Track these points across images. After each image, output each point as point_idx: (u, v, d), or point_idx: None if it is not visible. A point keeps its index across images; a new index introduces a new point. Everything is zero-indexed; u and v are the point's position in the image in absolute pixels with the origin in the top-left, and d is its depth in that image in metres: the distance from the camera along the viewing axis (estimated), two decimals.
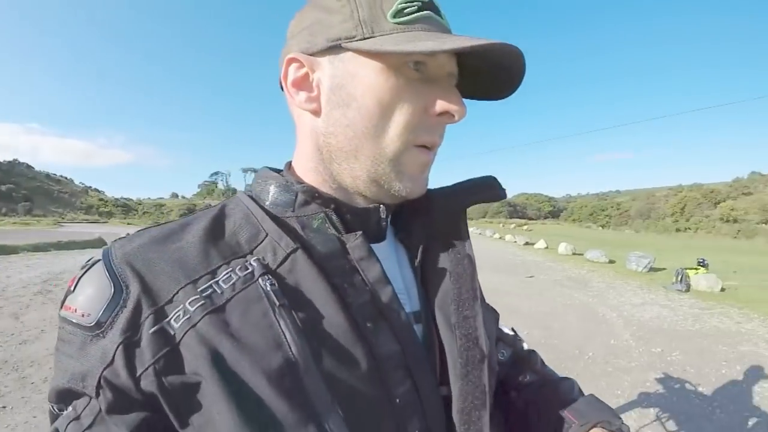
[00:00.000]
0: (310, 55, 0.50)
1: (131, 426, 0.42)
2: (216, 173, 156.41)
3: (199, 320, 0.43)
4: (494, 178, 0.61)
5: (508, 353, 0.77)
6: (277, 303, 0.45)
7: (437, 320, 0.55)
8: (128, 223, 55.47)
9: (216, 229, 0.50)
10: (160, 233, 0.49)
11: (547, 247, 18.61)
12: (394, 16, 0.47)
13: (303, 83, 0.51)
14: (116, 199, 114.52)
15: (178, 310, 0.43)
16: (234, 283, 0.46)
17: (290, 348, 0.43)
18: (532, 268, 12.24)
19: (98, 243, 16.88)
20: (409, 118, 0.49)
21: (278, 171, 0.58)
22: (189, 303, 0.44)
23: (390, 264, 0.55)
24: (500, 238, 25.11)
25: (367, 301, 0.49)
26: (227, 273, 0.46)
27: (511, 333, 0.81)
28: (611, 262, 13.21)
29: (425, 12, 0.48)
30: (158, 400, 0.42)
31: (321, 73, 0.50)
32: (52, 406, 0.46)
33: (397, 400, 0.48)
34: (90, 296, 0.45)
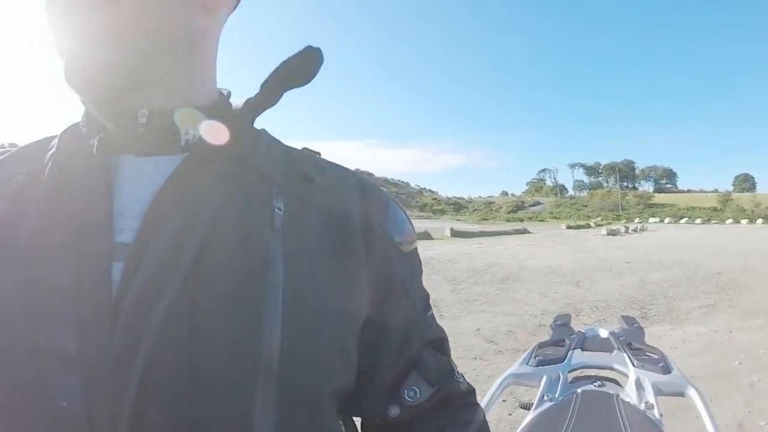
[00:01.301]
0: None
1: None
2: (543, 170, 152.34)
3: None
4: (314, 50, 0.47)
5: (424, 393, 0.51)
6: (6, 195, 0.43)
7: (145, 260, 0.39)
8: (457, 219, 60.03)
9: (39, 142, 0.49)
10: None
11: None
12: None
13: None
14: (448, 198, 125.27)
15: None
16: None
17: None
18: None
19: (423, 235, 18.50)
20: None
21: None
22: None
23: (146, 184, 0.42)
24: None
25: (72, 215, 0.40)
26: (8, 170, 0.45)
27: (447, 366, 0.55)
28: None
29: None
30: None
31: None
32: None
33: (45, 346, 0.36)
34: None
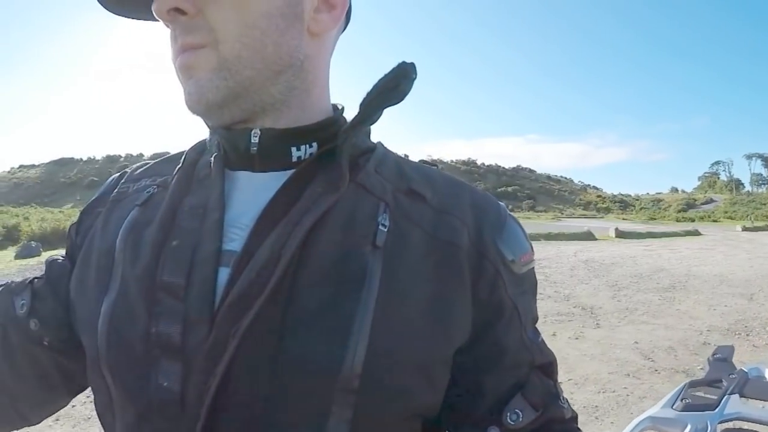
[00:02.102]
0: None
1: (68, 264, 0.56)
2: (716, 163, 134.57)
3: (104, 211, 0.55)
4: (408, 66, 0.49)
5: (526, 418, 0.48)
6: (138, 202, 0.51)
7: (251, 268, 0.42)
8: (623, 218, 55.61)
9: (168, 158, 0.58)
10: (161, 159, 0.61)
11: None
12: None
13: None
14: (614, 196, 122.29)
15: (104, 199, 0.57)
16: (138, 186, 0.54)
17: (117, 237, 0.49)
18: None
19: (585, 236, 18.45)
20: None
21: None
22: (112, 196, 0.56)
23: (255, 197, 0.47)
24: None
25: (192, 223, 0.47)
26: (143, 182, 0.55)
27: (553, 390, 0.52)
28: None
29: None
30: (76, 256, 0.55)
31: None
32: None
33: (156, 336, 0.43)
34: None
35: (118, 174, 0.59)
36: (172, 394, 0.41)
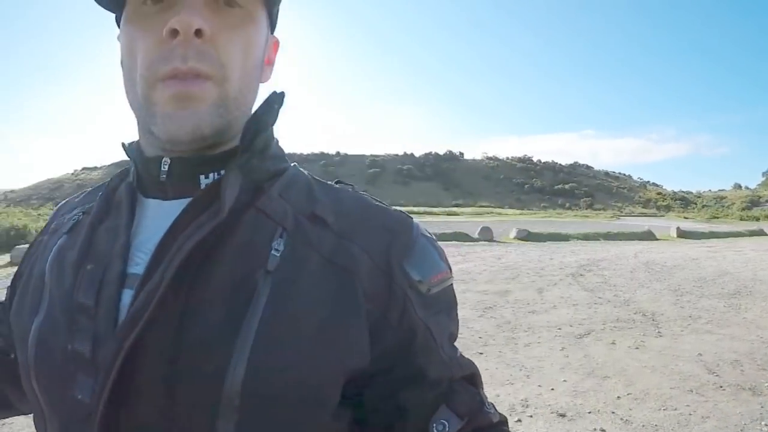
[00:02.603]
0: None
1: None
2: None
3: (38, 240, 0.61)
4: (276, 96, 0.52)
5: (452, 427, 0.50)
6: (62, 230, 0.56)
7: (149, 290, 0.45)
8: (684, 217, 53.79)
9: (100, 187, 0.61)
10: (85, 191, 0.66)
11: None
12: None
13: (121, 62, 0.52)
14: (674, 193, 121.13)
15: (43, 231, 0.63)
16: (67, 219, 0.58)
17: (43, 272, 0.54)
18: None
19: (646, 235, 18.16)
20: (145, 54, 0.46)
21: None
22: (51, 225, 0.61)
23: (165, 222, 0.48)
24: None
25: (103, 248, 0.50)
26: (76, 212, 0.58)
27: (477, 398, 0.54)
28: None
29: None
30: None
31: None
32: None
33: (74, 351, 0.47)
34: None
35: (57, 207, 0.65)
36: (85, 407, 0.45)
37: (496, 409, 0.56)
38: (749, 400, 3.61)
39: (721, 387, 3.85)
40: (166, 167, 0.50)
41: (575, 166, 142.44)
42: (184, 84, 0.45)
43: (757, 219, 40.67)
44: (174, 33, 0.44)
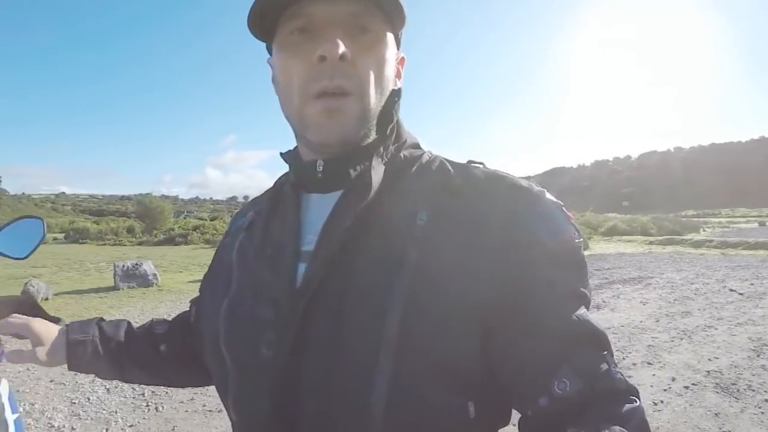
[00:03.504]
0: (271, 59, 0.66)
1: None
2: None
3: (223, 241, 0.76)
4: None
5: (573, 387, 0.50)
6: (245, 227, 0.70)
7: (318, 261, 0.57)
8: None
9: (267, 192, 0.74)
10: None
11: None
12: None
13: (274, 79, 0.65)
14: None
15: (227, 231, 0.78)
16: (243, 220, 0.73)
17: (231, 264, 0.68)
18: None
19: None
20: (300, 76, 0.57)
21: None
22: (232, 228, 0.77)
23: (324, 211, 0.60)
24: None
25: (279, 234, 0.62)
26: (244, 219, 0.73)
27: (601, 361, 0.52)
28: None
29: None
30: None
31: (274, 69, 0.64)
32: None
33: (259, 317, 0.59)
34: None
35: (233, 216, 0.81)
36: (269, 360, 0.56)
37: (624, 377, 0.53)
38: None
39: None
40: (321, 168, 0.62)
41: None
42: (332, 100, 0.56)
43: None
44: (322, 58, 0.55)
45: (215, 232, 23.37)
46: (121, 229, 27.89)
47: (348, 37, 0.56)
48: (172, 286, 9.17)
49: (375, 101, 0.58)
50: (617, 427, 0.47)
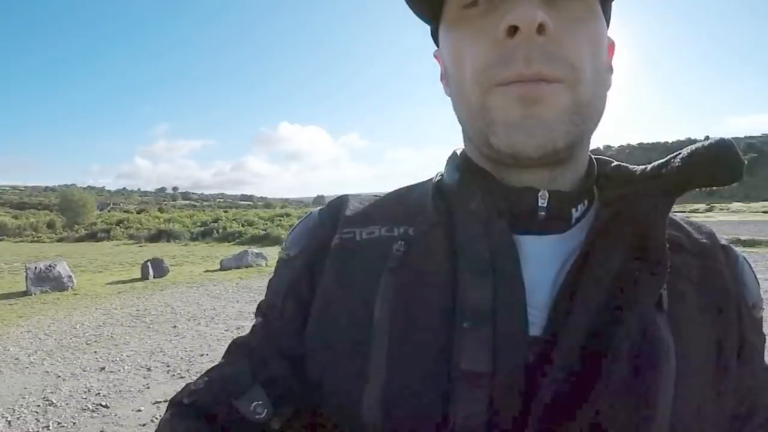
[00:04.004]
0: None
1: (300, 322, 0.49)
2: None
3: (333, 256, 0.49)
4: (729, 144, 0.40)
5: None
6: (391, 265, 0.45)
7: (555, 354, 0.40)
8: None
9: (396, 198, 0.54)
10: (365, 195, 0.57)
11: None
12: None
13: (443, 76, 0.50)
14: None
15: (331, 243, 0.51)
16: (371, 237, 0.48)
17: (374, 308, 0.43)
18: None
19: None
20: (478, 59, 0.41)
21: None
22: (334, 240, 0.50)
23: (547, 268, 0.43)
24: None
25: (481, 297, 0.40)
26: (373, 229, 0.49)
27: None
28: None
29: None
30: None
31: (443, 61, 0.49)
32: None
33: (453, 424, 0.38)
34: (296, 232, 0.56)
35: (322, 215, 0.55)
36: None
37: None
38: None
39: None
40: (544, 202, 0.44)
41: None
42: (532, 86, 0.39)
43: None
44: (513, 30, 0.38)
45: (140, 226, 22.54)
46: (41, 224, 26.67)
47: (547, 3, 0.39)
48: (88, 289, 8.71)
49: (591, 94, 0.41)
50: None
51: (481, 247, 0.42)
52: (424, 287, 0.43)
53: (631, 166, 0.48)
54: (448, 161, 0.52)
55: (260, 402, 0.45)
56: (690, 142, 0.43)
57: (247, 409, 0.45)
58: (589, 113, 0.42)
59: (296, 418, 0.46)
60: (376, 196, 0.56)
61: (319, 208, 0.57)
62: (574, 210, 0.45)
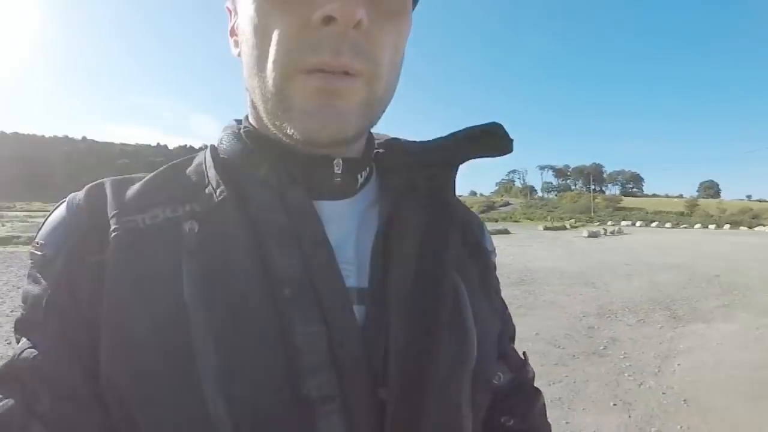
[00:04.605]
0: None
1: (70, 343, 0.41)
2: (513, 171, 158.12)
3: (111, 245, 0.42)
4: (497, 125, 0.50)
5: (506, 378, 0.61)
6: (189, 248, 0.42)
7: (391, 302, 0.44)
8: None
9: (167, 176, 0.49)
10: (127, 176, 0.50)
11: None
12: None
13: (233, 31, 0.48)
14: None
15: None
16: (155, 221, 0.44)
17: (183, 295, 0.40)
18: None
19: None
20: (284, 37, 0.40)
21: (237, 121, 0.54)
22: (112, 231, 0.43)
23: (347, 227, 0.48)
24: None
25: (294, 264, 0.42)
26: (155, 212, 0.45)
27: (521, 358, 0.66)
28: None
29: None
30: (91, 318, 0.41)
31: (237, 18, 0.46)
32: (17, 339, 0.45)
33: (309, 395, 0.39)
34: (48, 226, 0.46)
35: (81, 202, 0.46)
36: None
37: (531, 367, 0.67)
38: (600, 361, 4.35)
39: (575, 356, 4.50)
40: (339, 169, 0.48)
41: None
42: (331, 79, 0.40)
43: (496, 220, 49.51)
44: (329, 20, 0.38)
45: None
46: None
47: None
48: None
49: (384, 88, 0.44)
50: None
51: (280, 215, 0.44)
52: (230, 264, 0.41)
53: (403, 140, 0.56)
54: (225, 131, 0.51)
55: None
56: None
57: None
58: (380, 105, 0.45)
59: None
60: (138, 177, 0.50)
61: (73, 194, 0.48)
62: (359, 176, 0.50)
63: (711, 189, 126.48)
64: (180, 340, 0.39)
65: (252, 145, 0.48)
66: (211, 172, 0.47)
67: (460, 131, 0.51)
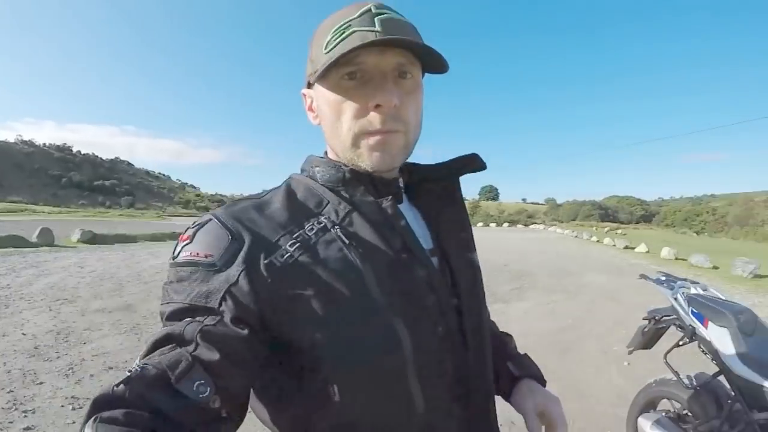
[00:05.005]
0: (308, 89, 0.71)
1: (244, 330, 0.55)
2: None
3: (299, 255, 0.60)
4: (476, 154, 0.77)
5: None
6: (347, 242, 0.63)
7: (447, 254, 0.72)
8: None
9: (291, 199, 0.68)
10: (254, 202, 0.67)
11: (648, 251, 16.94)
12: (325, 48, 0.62)
13: (311, 107, 0.72)
14: (212, 195, 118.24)
15: (282, 250, 0.60)
16: (316, 232, 0.64)
17: (360, 269, 0.62)
18: (638, 270, 10.52)
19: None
20: (351, 117, 0.63)
21: (321, 158, 0.75)
22: (289, 245, 0.61)
23: (409, 218, 0.71)
24: (598, 241, 23.66)
25: (399, 241, 0.66)
26: (309, 226, 0.64)
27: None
28: (715, 267, 12.26)
29: (350, 35, 0.60)
30: (268, 310, 0.57)
31: (314, 100, 0.70)
32: (164, 324, 0.56)
33: (427, 307, 0.65)
34: (209, 242, 0.60)
35: (234, 226, 0.61)
36: (445, 329, 0.68)
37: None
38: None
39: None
40: (402, 185, 0.76)
41: (116, 162, 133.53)
42: (386, 136, 0.64)
43: None
44: (377, 106, 0.62)
45: None
46: None
47: (394, 83, 0.63)
48: None
49: (414, 135, 0.68)
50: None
51: (381, 215, 0.67)
52: (375, 251, 0.65)
53: (420, 164, 0.80)
54: (319, 164, 0.73)
55: (202, 381, 0.49)
56: None
57: (190, 390, 0.48)
58: (413, 145, 0.69)
59: (232, 397, 0.53)
60: (252, 200, 0.68)
61: (230, 217, 0.62)
62: (401, 187, 0.76)
63: (491, 192, 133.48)
64: (364, 293, 0.61)
65: (351, 175, 0.69)
66: (328, 195, 0.69)
67: (457, 158, 0.77)
